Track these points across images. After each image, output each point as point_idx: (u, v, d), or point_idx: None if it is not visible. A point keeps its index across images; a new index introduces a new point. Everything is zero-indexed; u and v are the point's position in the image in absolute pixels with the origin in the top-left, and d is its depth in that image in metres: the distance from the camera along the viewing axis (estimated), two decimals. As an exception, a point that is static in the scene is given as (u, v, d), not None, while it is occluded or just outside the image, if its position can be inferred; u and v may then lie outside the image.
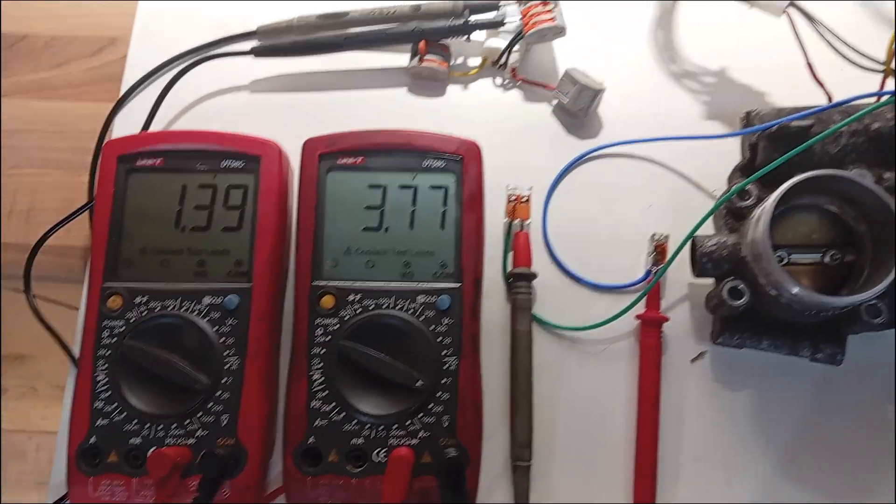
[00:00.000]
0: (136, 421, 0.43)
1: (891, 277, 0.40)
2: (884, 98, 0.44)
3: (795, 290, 0.41)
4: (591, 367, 0.48)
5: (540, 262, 0.50)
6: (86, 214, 0.52)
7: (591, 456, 0.47)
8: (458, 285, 0.45)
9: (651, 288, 0.48)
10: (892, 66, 0.43)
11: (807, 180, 0.41)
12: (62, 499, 0.45)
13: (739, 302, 0.44)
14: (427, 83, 0.54)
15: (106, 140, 0.53)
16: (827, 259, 0.44)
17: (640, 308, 0.48)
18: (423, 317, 0.44)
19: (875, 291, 0.40)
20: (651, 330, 0.47)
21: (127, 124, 0.54)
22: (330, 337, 0.44)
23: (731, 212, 0.47)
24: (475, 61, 0.54)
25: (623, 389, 0.48)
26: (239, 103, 0.54)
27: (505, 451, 0.47)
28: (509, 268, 0.50)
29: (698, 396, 0.48)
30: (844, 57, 0.46)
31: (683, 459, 0.47)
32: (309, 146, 0.47)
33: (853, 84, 0.48)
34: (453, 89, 0.54)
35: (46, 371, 0.57)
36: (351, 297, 0.44)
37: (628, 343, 0.49)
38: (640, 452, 0.46)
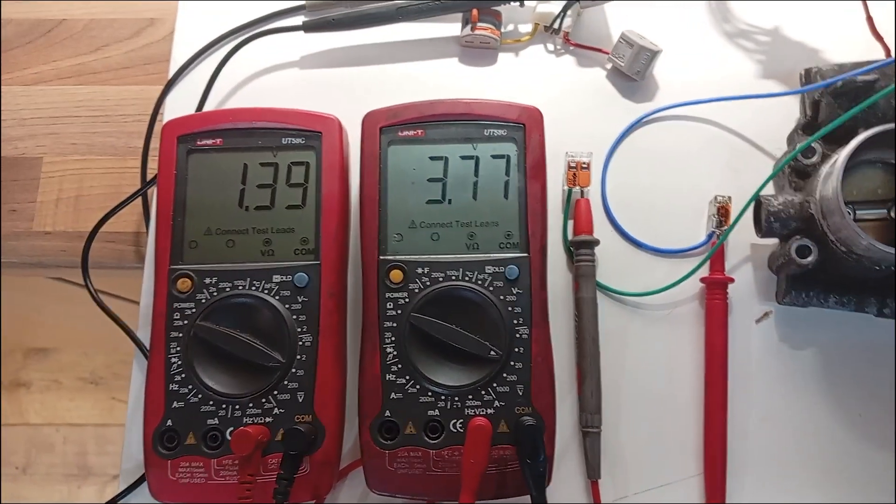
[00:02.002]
0: (212, 402, 0.43)
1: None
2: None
3: (869, 245, 0.41)
4: (657, 331, 0.48)
5: (600, 229, 0.50)
6: (137, 200, 0.52)
7: (660, 420, 0.47)
8: (525, 255, 0.45)
9: (715, 250, 0.47)
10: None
11: (878, 135, 0.41)
12: (136, 483, 0.45)
13: (808, 260, 0.44)
14: (478, 52, 0.53)
15: (157, 122, 0.53)
16: (893, 213, 0.44)
17: (704, 271, 0.48)
18: (493, 287, 0.44)
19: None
20: (717, 292, 0.47)
21: (176, 105, 0.53)
22: (400, 311, 0.44)
23: (796, 170, 0.47)
24: (526, 28, 0.54)
25: (689, 353, 0.48)
26: (290, 79, 0.53)
27: (574, 419, 0.47)
28: (570, 236, 0.49)
29: (764, 357, 0.48)
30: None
31: (752, 420, 0.47)
32: (369, 119, 0.47)
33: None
34: (505, 57, 0.53)
35: (69, 363, 0.57)
36: (419, 270, 0.44)
37: (692, 307, 0.49)
38: (709, 415, 0.46)
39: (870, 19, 0.48)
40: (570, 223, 0.50)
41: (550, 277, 0.49)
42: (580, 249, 0.48)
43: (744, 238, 0.49)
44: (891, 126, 0.41)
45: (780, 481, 0.46)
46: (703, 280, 0.48)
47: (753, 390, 0.47)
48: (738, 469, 0.46)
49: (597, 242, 0.49)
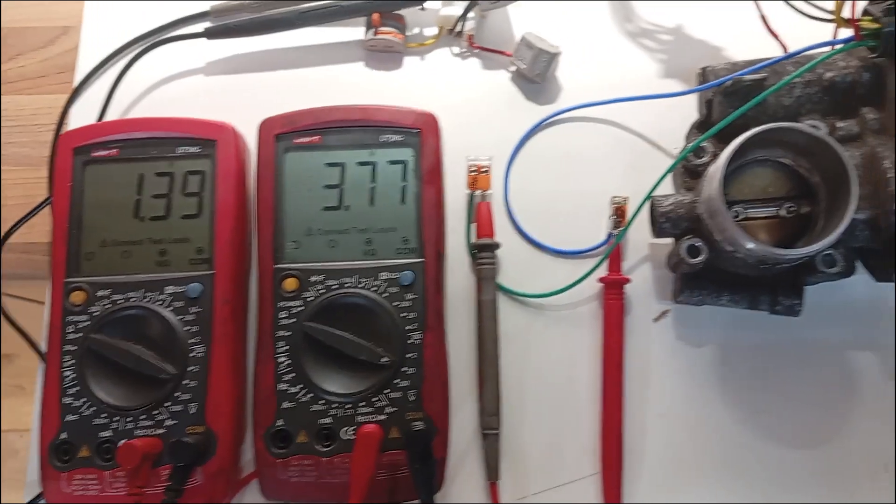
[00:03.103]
0: (105, 414, 0.43)
1: (841, 228, 0.40)
2: (836, 47, 0.44)
3: (750, 245, 0.41)
4: (558, 332, 0.49)
5: (504, 232, 0.50)
6: (49, 210, 0.52)
7: (561, 421, 0.48)
8: (420, 260, 0.45)
9: (612, 251, 0.48)
10: (842, 14, 0.42)
11: (758, 134, 0.41)
12: (37, 497, 0.45)
13: (697, 259, 0.44)
14: (384, 56, 0.53)
15: (62, 132, 0.53)
16: (783, 212, 0.45)
17: (603, 271, 0.48)
18: (387, 293, 0.44)
19: (826, 242, 0.40)
20: (613, 292, 0.48)
21: (84, 115, 0.53)
22: (294, 319, 0.44)
23: (688, 170, 0.47)
24: (432, 31, 0.53)
25: (589, 353, 0.48)
26: (196, 87, 0.53)
27: (475, 421, 0.47)
28: (473, 239, 0.50)
29: (662, 354, 0.48)
30: (794, 8, 0.46)
31: (650, 418, 0.47)
32: (265, 127, 0.47)
33: (809, 35, 0.47)
34: (410, 61, 0.53)
35: (32, 369, 0.57)
36: (313, 279, 0.44)
37: (592, 307, 0.49)
38: (605, 413, 0.47)
39: (762, 18, 0.48)
40: (474, 226, 0.50)
41: (454, 281, 0.49)
42: (481, 253, 0.49)
43: (645, 238, 0.49)
44: (770, 125, 0.41)
45: (678, 478, 0.47)
46: (600, 280, 0.48)
47: (651, 388, 0.48)
48: (635, 467, 0.47)
49: (497, 245, 0.49)
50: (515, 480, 0.47)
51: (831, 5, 0.43)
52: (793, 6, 0.46)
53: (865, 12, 0.43)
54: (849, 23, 0.42)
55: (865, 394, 0.48)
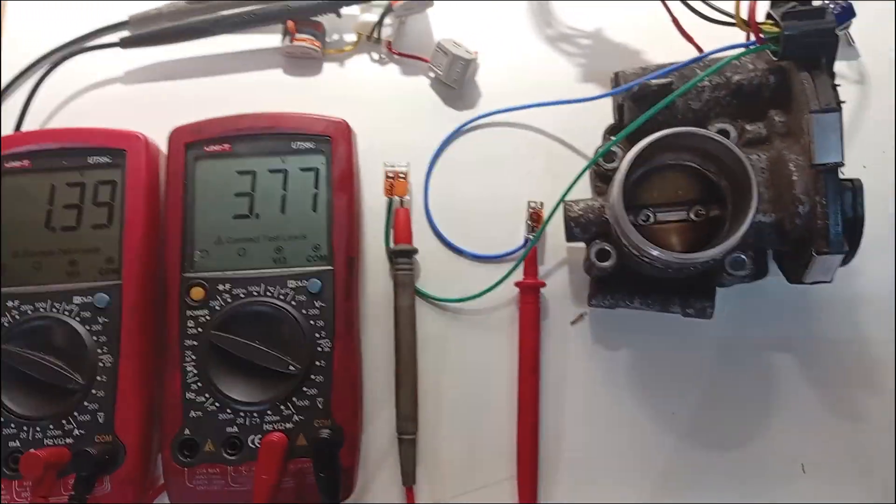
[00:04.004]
0: (13, 424, 0.43)
1: (741, 231, 0.40)
2: (739, 50, 0.44)
3: (652, 251, 0.41)
4: (475, 337, 0.49)
5: (423, 237, 0.50)
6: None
7: (478, 424, 0.48)
8: (329, 268, 0.45)
9: (526, 255, 0.48)
10: (742, 17, 0.42)
11: (658, 140, 0.41)
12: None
13: (607, 263, 0.45)
14: (302, 62, 0.53)
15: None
16: (692, 215, 0.45)
17: (519, 275, 0.48)
18: (295, 301, 0.44)
19: (725, 247, 0.40)
20: (529, 296, 0.48)
21: (3, 127, 0.53)
22: (201, 329, 0.44)
23: (599, 175, 0.47)
24: (351, 37, 0.53)
25: (506, 357, 0.48)
26: (115, 96, 0.53)
27: (392, 426, 0.47)
28: (392, 245, 0.50)
29: (579, 358, 0.48)
30: (696, 11, 0.46)
31: (567, 421, 0.48)
32: (174, 136, 0.47)
33: (725, 38, 0.47)
34: (330, 67, 0.53)
35: None
36: (220, 287, 0.44)
37: (510, 311, 0.49)
38: (521, 416, 0.47)
39: (675, 20, 0.48)
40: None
41: (373, 286, 0.49)
42: (398, 258, 0.49)
43: (563, 242, 0.49)
44: (667, 132, 0.41)
45: (594, 481, 0.47)
46: (516, 284, 0.48)
47: (568, 391, 0.48)
48: (551, 469, 0.47)
49: (415, 251, 0.49)
50: (432, 485, 0.47)
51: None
52: (695, 10, 0.46)
53: (768, 16, 0.43)
54: (749, 26, 0.42)
55: (781, 395, 0.48)
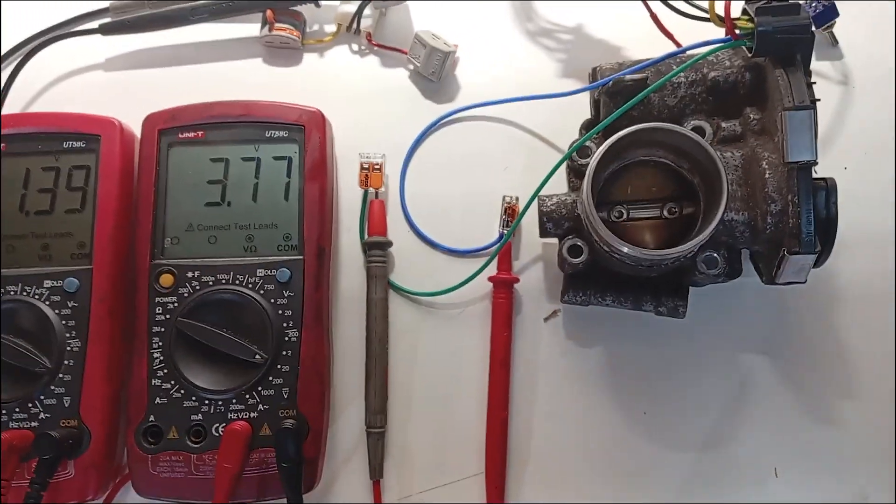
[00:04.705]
0: (-22, 406, 0.43)
1: (710, 229, 0.40)
2: (713, 46, 0.43)
3: (621, 247, 0.41)
4: (448, 331, 0.49)
5: (398, 230, 0.50)
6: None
7: (448, 419, 0.48)
8: (299, 257, 0.45)
9: (500, 250, 0.48)
10: (716, 13, 0.42)
11: (627, 136, 0.41)
12: None
13: (578, 259, 0.44)
14: (282, 52, 0.53)
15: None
16: (665, 212, 0.44)
17: (493, 270, 0.48)
18: (263, 290, 0.44)
19: (694, 243, 0.40)
20: (502, 291, 0.48)
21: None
22: (169, 315, 0.44)
23: (574, 170, 0.47)
24: (331, 28, 0.53)
25: (478, 352, 0.48)
26: (94, 82, 0.53)
27: (362, 419, 0.47)
28: (366, 237, 0.49)
29: (551, 355, 0.48)
30: (673, 8, 0.46)
31: (536, 417, 0.47)
32: (148, 122, 0.47)
33: (706, 35, 0.47)
34: (309, 58, 0.53)
35: None
36: (190, 275, 0.44)
37: (483, 306, 0.49)
38: (490, 412, 0.46)
39: (653, 15, 0.48)
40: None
41: (347, 278, 0.49)
42: (372, 250, 0.48)
43: (538, 238, 0.49)
44: (636, 128, 0.41)
45: (563, 478, 0.47)
46: (490, 279, 0.48)
47: (539, 388, 0.48)
48: (520, 466, 0.47)
49: (389, 244, 0.49)
50: (399, 479, 0.47)
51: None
52: (672, 6, 0.45)
53: (743, 11, 0.42)
54: (724, 22, 0.42)
55: (755, 397, 0.47)
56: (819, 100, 0.41)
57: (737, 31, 0.42)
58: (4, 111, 0.52)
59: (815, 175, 0.41)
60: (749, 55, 0.43)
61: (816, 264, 0.42)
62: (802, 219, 0.40)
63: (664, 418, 0.47)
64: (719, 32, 0.45)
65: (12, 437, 0.41)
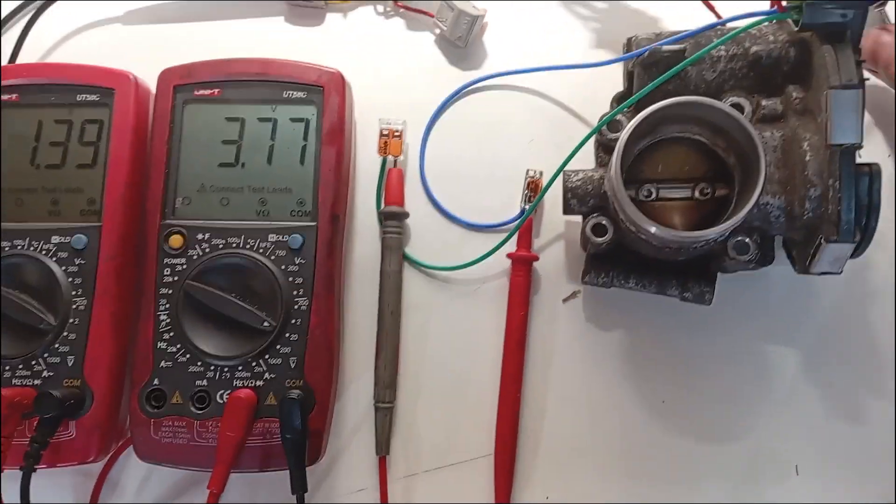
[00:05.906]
0: (-21, 361, 0.42)
1: (744, 212, 0.37)
2: (757, 18, 0.41)
3: (650, 227, 0.39)
4: (463, 307, 0.47)
5: (417, 200, 0.48)
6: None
7: (459, 398, 0.46)
8: (313, 224, 0.43)
9: (521, 226, 0.46)
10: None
11: (660, 110, 0.39)
12: None
13: (603, 239, 0.42)
14: (305, 11, 0.51)
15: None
16: (697, 193, 0.42)
17: (512, 247, 0.46)
18: (274, 256, 0.43)
19: (726, 226, 0.38)
20: (520, 269, 0.46)
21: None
22: (177, 277, 0.43)
23: (603, 145, 0.45)
24: (357, -13, 0.51)
25: (493, 330, 0.46)
26: (112, 36, 0.52)
27: (371, 395, 0.46)
28: (383, 206, 0.48)
29: (569, 336, 0.46)
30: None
31: (550, 400, 0.46)
32: (164, 77, 0.45)
33: (748, 6, 0.44)
34: (333, 18, 0.51)
35: None
36: (200, 237, 0.43)
37: (501, 283, 0.47)
38: (502, 393, 0.45)
39: (696, -14, 0.45)
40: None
41: (363, 247, 0.48)
42: (387, 221, 0.47)
43: (560, 215, 0.47)
44: (676, 100, 0.39)
45: (574, 464, 0.45)
46: (509, 256, 0.46)
47: (554, 370, 0.46)
48: (531, 449, 0.45)
49: (406, 215, 0.47)
50: (406, 456, 0.46)
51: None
52: (717, -26, 0.43)
53: (792, -18, 0.40)
54: (772, -7, 0.39)
55: (778, 392, 0.45)
56: (868, 79, 0.38)
57: (783, 3, 0.39)
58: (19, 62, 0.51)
59: (858, 160, 0.38)
60: (795, 29, 0.40)
61: (854, 254, 0.40)
62: (843, 205, 0.38)
63: (683, 408, 0.45)
64: (764, 4, 0.43)
65: (14, 393, 0.40)
